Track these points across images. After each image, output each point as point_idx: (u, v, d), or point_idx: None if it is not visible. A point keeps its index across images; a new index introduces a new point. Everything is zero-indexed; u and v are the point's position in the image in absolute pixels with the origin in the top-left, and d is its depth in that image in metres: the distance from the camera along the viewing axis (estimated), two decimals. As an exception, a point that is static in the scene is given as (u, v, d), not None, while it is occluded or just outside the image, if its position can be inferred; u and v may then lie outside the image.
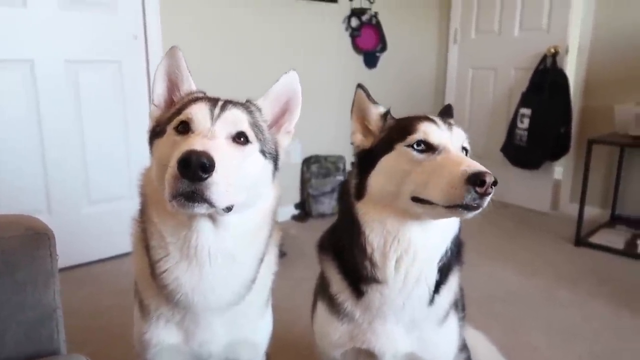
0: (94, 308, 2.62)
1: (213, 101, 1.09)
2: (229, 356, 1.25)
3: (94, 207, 3.15)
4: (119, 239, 2.84)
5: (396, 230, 1.16)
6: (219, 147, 0.97)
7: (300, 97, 1.21)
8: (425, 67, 5.14)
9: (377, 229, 1.18)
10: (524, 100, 4.28)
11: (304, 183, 4.32)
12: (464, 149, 1.20)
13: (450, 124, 1.21)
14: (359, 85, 1.33)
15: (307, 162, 4.30)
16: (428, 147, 1.14)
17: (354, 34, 4.41)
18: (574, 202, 4.25)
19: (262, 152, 1.10)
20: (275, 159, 1.16)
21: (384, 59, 4.66)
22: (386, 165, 1.19)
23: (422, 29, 5.03)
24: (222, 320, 1.18)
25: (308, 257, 3.34)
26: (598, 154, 3.77)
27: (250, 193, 1.06)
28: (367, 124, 1.31)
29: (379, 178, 1.19)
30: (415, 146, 1.15)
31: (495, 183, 1.02)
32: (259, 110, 1.17)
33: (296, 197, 4.36)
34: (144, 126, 1.21)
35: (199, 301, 1.10)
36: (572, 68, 4.26)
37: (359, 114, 1.33)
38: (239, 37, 3.69)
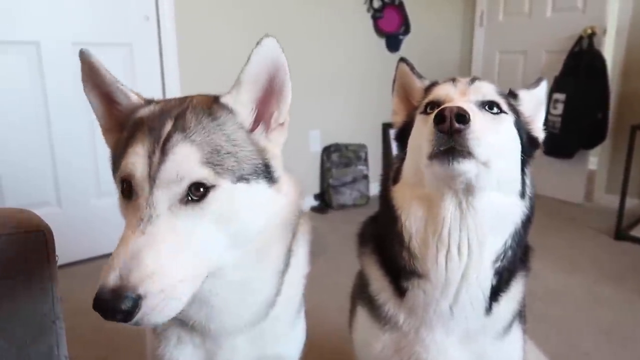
0: (105, 305, 2.47)
1: (154, 135, 0.81)
2: None
3: (104, 199, 3.00)
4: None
5: (434, 214, 0.99)
6: (154, 241, 0.75)
7: (287, 70, 0.88)
8: (450, 51, 4.91)
9: (413, 214, 1.02)
10: (558, 85, 4.03)
11: (324, 173, 4.13)
12: (490, 104, 1.01)
13: (474, 80, 1.06)
14: (402, 59, 1.15)
15: (327, 150, 4.11)
16: (437, 106, 0.97)
17: (376, 15, 4.18)
18: (610, 193, 4.03)
19: (241, 179, 0.83)
20: (266, 172, 0.88)
21: (407, 42, 4.43)
22: (410, 139, 1.05)
23: (447, 11, 4.79)
24: (247, 337, 1.00)
25: (329, 251, 3.25)
26: (637, 142, 3.52)
27: (251, 229, 0.87)
28: (412, 101, 1.12)
29: (407, 157, 1.05)
30: (428, 110, 1.01)
31: (460, 117, 0.85)
32: (230, 112, 0.87)
33: (316, 188, 4.17)
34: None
35: (215, 327, 0.94)
36: (609, 50, 4.01)
37: (402, 91, 1.15)
38: (255, 19, 3.50)
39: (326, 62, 3.88)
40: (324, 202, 4.13)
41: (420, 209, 1.00)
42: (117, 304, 0.70)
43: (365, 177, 4.25)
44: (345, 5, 4.02)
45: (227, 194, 0.81)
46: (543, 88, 1.17)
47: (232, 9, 3.39)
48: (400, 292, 1.06)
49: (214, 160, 0.80)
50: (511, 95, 1.11)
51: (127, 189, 0.81)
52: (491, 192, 0.95)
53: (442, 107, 0.87)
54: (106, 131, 0.96)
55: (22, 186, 2.73)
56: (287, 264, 0.99)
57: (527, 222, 1.02)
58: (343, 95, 4.10)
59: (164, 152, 0.78)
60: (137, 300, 0.71)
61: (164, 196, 0.77)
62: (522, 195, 1.00)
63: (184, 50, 3.17)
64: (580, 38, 3.93)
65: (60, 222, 2.92)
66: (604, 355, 2.10)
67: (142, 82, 3.00)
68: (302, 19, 3.75)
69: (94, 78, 0.91)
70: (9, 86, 2.63)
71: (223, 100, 0.88)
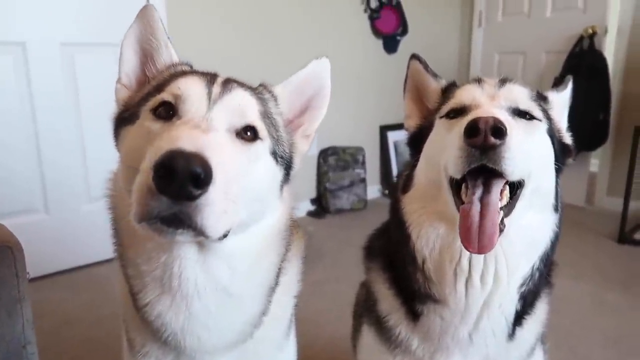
0: (93, 316, 2.38)
1: (209, 76, 0.83)
2: None
3: (94, 204, 2.88)
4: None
5: (452, 239, 0.88)
6: (218, 146, 0.69)
7: (329, 94, 0.98)
8: (448, 52, 4.84)
9: (426, 233, 0.91)
10: (557, 86, 3.96)
11: (321, 176, 4.03)
12: (522, 112, 0.91)
13: (503, 82, 0.95)
14: (414, 56, 1.05)
15: (324, 154, 4.02)
16: (463, 112, 0.89)
17: (373, 15, 4.11)
18: (612, 195, 3.97)
19: (274, 154, 0.85)
20: (288, 166, 0.91)
21: (404, 43, 4.36)
22: (427, 146, 0.95)
23: (445, 12, 4.73)
24: (228, 359, 0.91)
25: (327, 257, 3.15)
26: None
27: (254, 208, 0.80)
28: (426, 103, 1.02)
29: (422, 164, 0.95)
30: (451, 115, 0.91)
31: (497, 130, 0.74)
32: (274, 98, 0.92)
33: (312, 192, 4.08)
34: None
35: (191, 343, 0.85)
36: (610, 50, 3.95)
37: (415, 91, 1.05)
38: (250, 19, 3.41)
39: (322, 63, 3.78)
40: (321, 207, 4.04)
41: (435, 229, 0.90)
42: (192, 165, 0.60)
43: (363, 180, 4.16)
44: (341, 5, 3.94)
45: (265, 157, 0.82)
46: (569, 89, 1.08)
47: (226, 9, 3.29)
48: (414, 315, 0.97)
49: (265, 120, 0.84)
50: (541, 98, 1.01)
51: (166, 111, 0.77)
52: (524, 213, 0.86)
53: (476, 117, 0.77)
54: (122, 86, 0.93)
55: (7, 192, 2.61)
56: (276, 282, 0.92)
57: (555, 241, 0.93)
58: (340, 97, 4.00)
59: (225, 88, 0.80)
60: (210, 178, 0.62)
61: (224, 119, 0.76)
62: (556, 208, 0.92)
63: (176, 49, 3.06)
64: (581, 38, 3.88)
65: (48, 230, 2.82)
66: (614, 366, 2.02)
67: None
68: (298, 20, 3.66)
69: (147, 31, 0.90)
70: (-6, 87, 2.52)
71: (269, 86, 0.93)
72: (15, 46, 2.56)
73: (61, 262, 2.80)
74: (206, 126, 0.72)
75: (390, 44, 4.29)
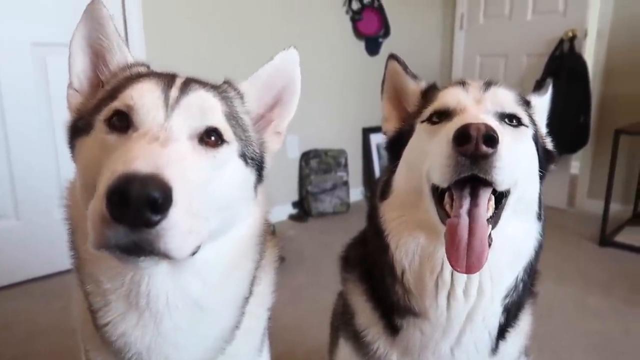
0: (67, 325, 2.27)
1: (166, 79, 0.76)
2: None
3: (68, 209, 2.80)
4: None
5: (433, 250, 0.84)
6: (179, 159, 0.63)
7: (299, 86, 0.92)
8: (430, 54, 4.82)
9: (406, 242, 0.87)
10: (538, 89, 3.97)
11: (303, 180, 3.98)
12: (509, 117, 0.87)
13: (489, 84, 0.91)
14: (392, 56, 1.01)
15: (306, 156, 3.97)
16: (446, 116, 0.84)
17: (355, 17, 4.07)
18: (592, 198, 3.99)
19: (243, 156, 0.80)
20: (259, 167, 0.86)
21: (386, 45, 4.32)
22: (407, 152, 0.91)
23: (427, 14, 4.71)
24: None
25: (309, 262, 3.10)
26: (620, 146, 3.46)
27: (225, 217, 0.75)
28: (405, 106, 0.98)
29: (402, 170, 0.90)
30: (434, 119, 0.86)
31: (489, 138, 0.69)
32: (241, 96, 0.87)
33: (294, 195, 4.02)
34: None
35: None
36: (590, 53, 3.97)
37: (393, 93, 1.00)
38: (231, 21, 3.34)
39: (304, 65, 3.69)
40: (303, 210, 3.99)
41: (415, 239, 0.86)
42: (150, 188, 0.55)
43: (346, 183, 4.12)
44: (323, 7, 3.89)
45: (233, 161, 0.77)
46: (549, 93, 1.04)
47: (204, 9, 3.22)
48: (393, 329, 0.92)
49: (230, 122, 0.78)
50: (524, 102, 0.97)
51: (121, 122, 0.70)
52: (508, 222, 0.82)
53: (465, 123, 0.72)
54: (74, 92, 0.85)
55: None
56: (250, 291, 0.87)
57: (539, 250, 0.89)
58: (322, 99, 3.96)
59: (184, 91, 0.74)
60: (170, 202, 0.57)
61: (184, 125, 0.71)
62: (539, 217, 0.88)
63: (153, 51, 2.99)
64: (561, 41, 3.89)
65: (18, 236, 2.72)
66: (597, 372, 2.01)
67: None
68: (279, 21, 3.60)
69: (97, 29, 0.84)
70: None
71: (234, 83, 0.87)
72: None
73: (33, 270, 2.70)
74: (165, 137, 0.66)
75: (372, 46, 4.26)
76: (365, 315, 0.98)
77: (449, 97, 0.89)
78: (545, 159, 0.95)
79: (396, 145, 0.95)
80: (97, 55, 0.85)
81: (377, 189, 0.96)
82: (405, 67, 0.99)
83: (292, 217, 3.92)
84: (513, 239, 0.84)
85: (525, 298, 0.93)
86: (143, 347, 0.77)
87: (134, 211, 0.55)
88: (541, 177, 0.90)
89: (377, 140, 4.36)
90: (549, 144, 1.00)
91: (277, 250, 0.98)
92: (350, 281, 1.03)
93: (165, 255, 0.60)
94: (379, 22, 4.24)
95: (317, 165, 3.98)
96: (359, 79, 4.17)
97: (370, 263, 0.97)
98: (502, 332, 0.91)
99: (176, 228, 0.59)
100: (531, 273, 0.90)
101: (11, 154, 2.61)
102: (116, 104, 0.72)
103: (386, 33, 4.31)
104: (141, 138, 0.66)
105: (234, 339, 0.86)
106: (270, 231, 0.94)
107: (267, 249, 0.91)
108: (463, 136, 0.71)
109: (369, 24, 4.18)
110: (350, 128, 4.29)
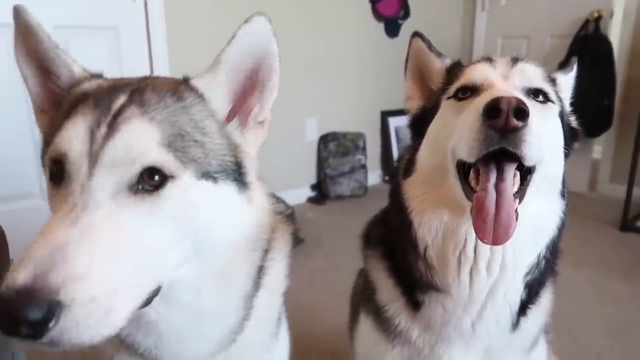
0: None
1: (104, 106, 0.67)
2: None
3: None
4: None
5: (457, 225, 0.85)
6: (88, 241, 0.58)
7: (277, 61, 0.76)
8: (450, 36, 4.75)
9: (429, 219, 0.87)
10: (564, 68, 3.90)
11: (321, 162, 3.99)
12: (536, 92, 0.86)
13: (515, 60, 0.90)
14: (416, 33, 1.01)
15: (324, 139, 3.97)
16: (473, 92, 0.84)
17: (375, -2, 4.03)
18: (615, 182, 3.92)
19: (206, 175, 0.69)
20: (237, 172, 0.75)
21: (406, 27, 4.27)
22: (432, 129, 0.90)
23: (448, -6, 4.63)
24: None
25: (326, 244, 3.12)
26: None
27: (198, 249, 0.71)
28: (429, 84, 0.98)
29: (426, 148, 0.90)
30: (460, 95, 0.85)
31: (519, 111, 0.69)
32: (200, 97, 0.73)
33: (312, 178, 4.03)
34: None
35: (169, 356, 0.80)
36: (616, 34, 3.87)
37: (417, 72, 1.00)
38: (248, 2, 3.33)
39: (322, 47, 3.70)
40: (321, 193, 4.00)
41: (438, 216, 0.86)
42: (22, 311, 0.51)
43: (364, 166, 4.12)
44: (342, -13, 3.86)
45: (188, 189, 0.67)
46: (575, 71, 1.03)
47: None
48: (415, 304, 0.94)
49: (176, 145, 0.66)
50: (550, 79, 0.96)
51: (58, 173, 0.65)
52: (532, 199, 0.82)
53: (496, 96, 0.71)
54: (40, 112, 0.80)
55: (3, 178, 2.59)
56: (256, 286, 0.84)
57: (562, 227, 0.89)
58: (340, 82, 3.94)
59: (112, 127, 0.64)
60: (54, 309, 0.52)
61: (108, 180, 0.62)
62: (563, 194, 0.88)
63: (174, 33, 3.01)
64: (586, 22, 3.79)
65: (43, 216, 2.77)
66: (617, 356, 2.00)
67: (128, 67, 2.84)
68: (297, 2, 3.58)
69: (29, 42, 0.76)
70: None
71: (193, 82, 0.74)
72: (5, 28, 2.47)
73: None
74: (83, 204, 0.60)
75: (392, 28, 4.21)
76: (387, 291, 0.99)
77: (476, 73, 0.89)
78: (570, 136, 0.94)
79: (419, 123, 0.95)
80: (43, 67, 0.78)
81: (400, 166, 0.96)
82: (429, 45, 0.99)
83: (310, 200, 3.94)
84: (537, 216, 0.84)
85: (546, 276, 0.94)
86: (151, 345, 0.79)
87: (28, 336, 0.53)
88: (566, 155, 0.89)
89: (396, 123, 4.34)
90: (574, 122, 0.99)
91: (289, 236, 0.94)
92: (372, 257, 1.04)
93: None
94: (399, 3, 4.19)
95: (335, 148, 3.98)
96: (378, 62, 4.13)
97: (392, 240, 0.98)
98: (523, 308, 0.92)
99: (82, 322, 0.55)
100: (553, 251, 0.90)
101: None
102: (52, 152, 0.66)
103: (406, 14, 4.25)
104: (62, 204, 0.62)
105: (244, 329, 0.85)
106: (287, 215, 0.91)
107: (277, 238, 0.87)
108: (493, 109, 0.70)
109: (389, 5, 4.12)
110: (368, 111, 4.27)
